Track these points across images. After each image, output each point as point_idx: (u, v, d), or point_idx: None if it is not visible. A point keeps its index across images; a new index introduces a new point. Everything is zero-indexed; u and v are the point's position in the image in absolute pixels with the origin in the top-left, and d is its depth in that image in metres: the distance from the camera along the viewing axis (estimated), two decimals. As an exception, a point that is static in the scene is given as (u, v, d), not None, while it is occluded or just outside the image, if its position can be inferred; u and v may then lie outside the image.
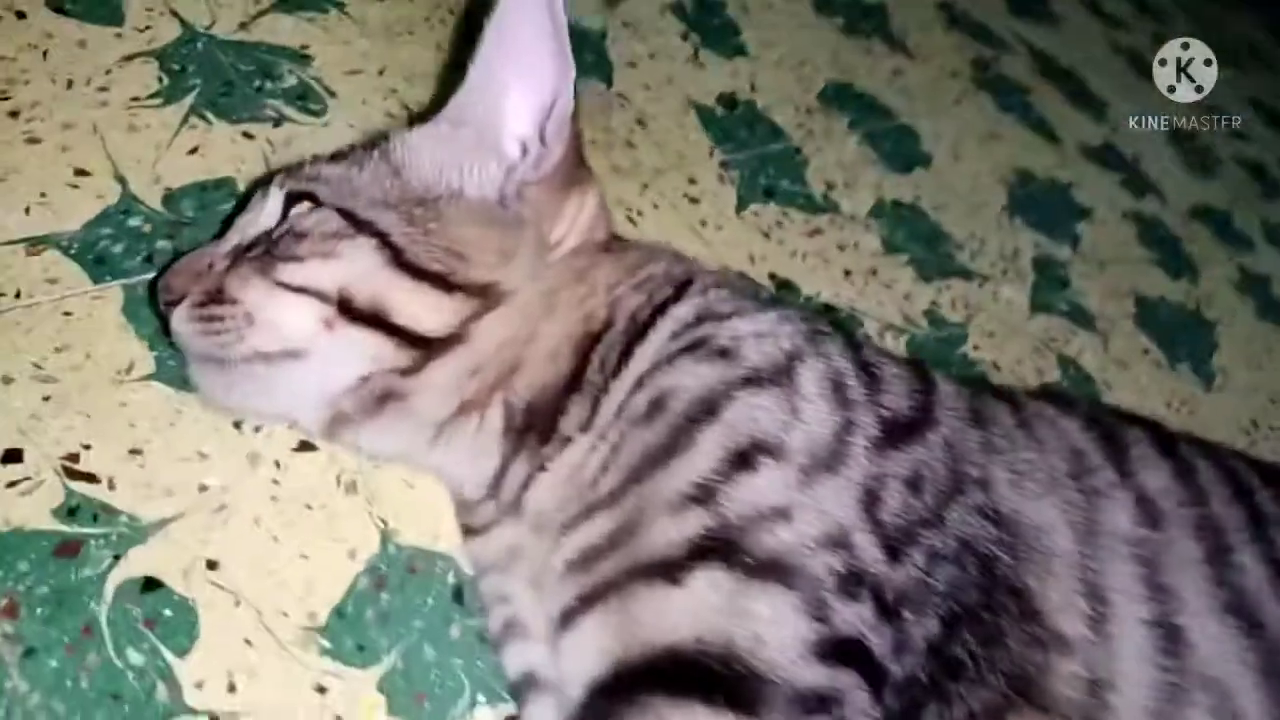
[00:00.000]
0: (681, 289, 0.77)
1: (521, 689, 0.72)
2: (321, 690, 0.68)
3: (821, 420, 0.71)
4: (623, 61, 1.36)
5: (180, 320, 0.71)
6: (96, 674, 0.63)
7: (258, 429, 0.79)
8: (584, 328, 0.74)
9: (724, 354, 0.71)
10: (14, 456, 0.70)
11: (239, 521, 0.74)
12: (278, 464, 0.78)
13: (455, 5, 1.27)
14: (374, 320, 0.69)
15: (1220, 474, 0.88)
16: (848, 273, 1.28)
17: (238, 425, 0.78)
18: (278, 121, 1.01)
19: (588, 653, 0.65)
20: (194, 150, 0.95)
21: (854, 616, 0.64)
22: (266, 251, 0.71)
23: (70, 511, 0.69)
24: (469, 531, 0.79)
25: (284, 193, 0.75)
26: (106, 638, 0.64)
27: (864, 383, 0.76)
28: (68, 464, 0.71)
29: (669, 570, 0.63)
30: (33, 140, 0.88)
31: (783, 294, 1.18)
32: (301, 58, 1.09)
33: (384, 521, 0.78)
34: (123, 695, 0.63)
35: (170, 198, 0.90)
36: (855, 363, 0.78)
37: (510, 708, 0.73)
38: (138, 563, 0.69)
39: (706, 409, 0.68)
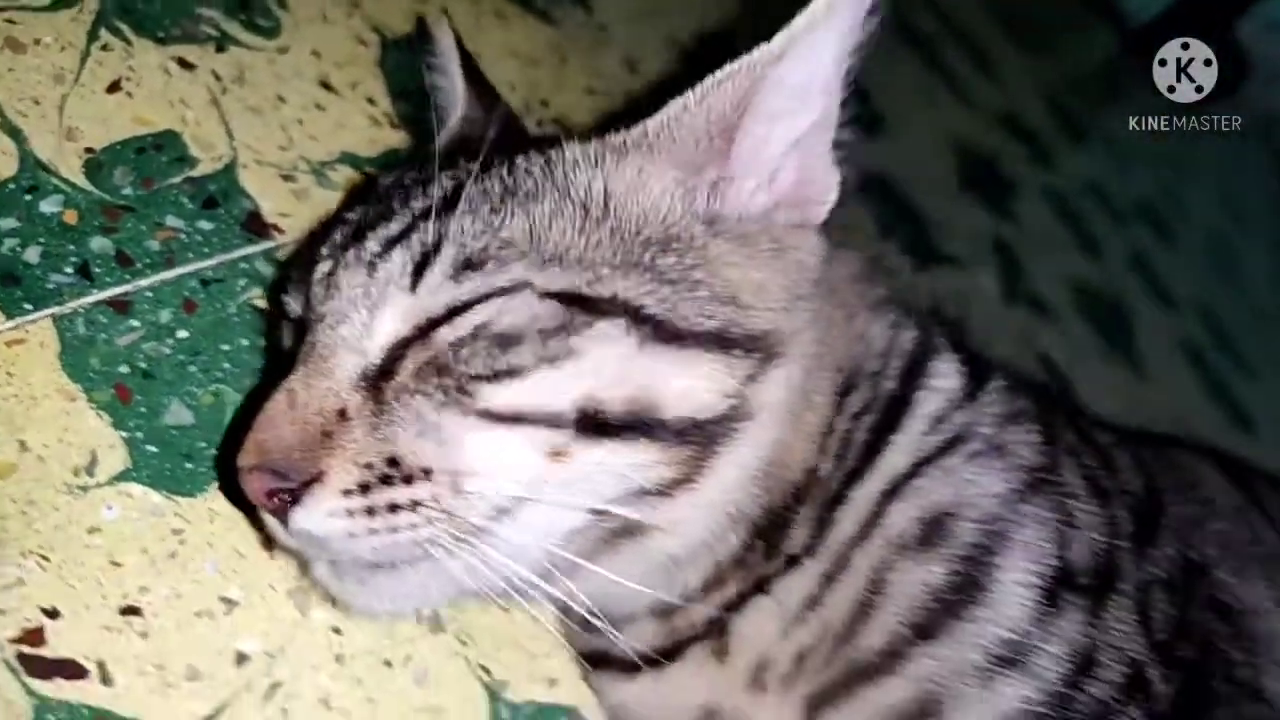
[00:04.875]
0: (923, 350, 0.58)
1: None
2: None
3: (1094, 524, 0.57)
4: None
5: (322, 521, 0.43)
6: None
7: (295, 545, 0.53)
8: (830, 395, 0.54)
9: (999, 452, 0.54)
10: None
11: (303, 707, 0.49)
12: (333, 601, 0.53)
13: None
14: (629, 427, 0.45)
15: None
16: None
17: (267, 544, 0.52)
18: (220, 44, 0.70)
19: None
20: (115, 86, 0.63)
21: None
22: (442, 372, 0.45)
23: (47, 736, 0.42)
24: (599, 663, 0.57)
25: (450, 277, 0.47)
26: None
27: (1099, 460, 0.62)
28: (28, 649, 0.43)
29: None
30: None
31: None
32: (231, -53, 0.77)
33: (485, 670, 0.56)
34: None
35: (96, 165, 0.59)
36: (1078, 433, 0.64)
37: None
38: (173, 811, 0.43)
39: (999, 535, 0.51)
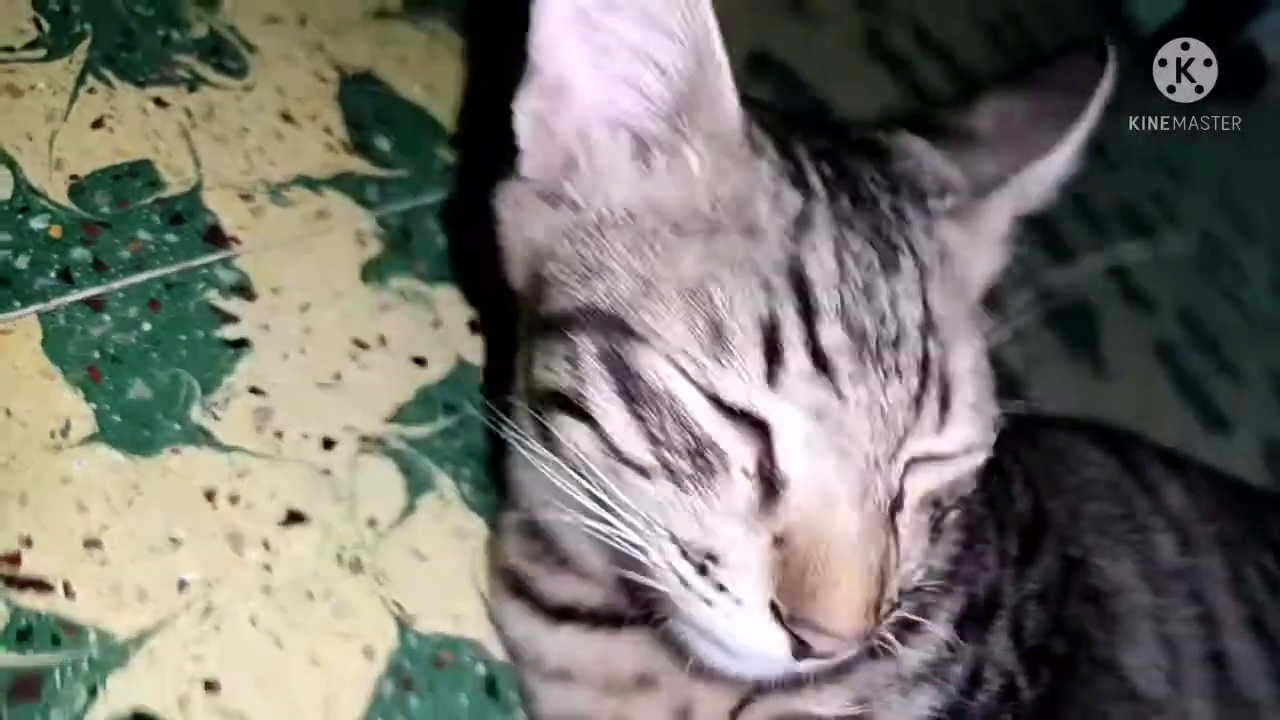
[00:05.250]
0: None
1: None
2: (370, 839, 0.56)
3: (992, 562, 0.66)
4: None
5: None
6: None
7: (235, 499, 0.63)
8: None
9: None
10: (-71, 567, 0.52)
11: (233, 625, 0.59)
12: (266, 544, 0.63)
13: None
14: None
15: (1207, 479, 0.91)
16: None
17: (210, 497, 0.63)
18: (192, 85, 0.82)
19: None
20: (98, 123, 0.75)
21: None
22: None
23: (21, 635, 0.52)
24: (526, 596, 0.64)
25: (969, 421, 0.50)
26: (100, 811, 0.50)
27: (1003, 487, 0.71)
28: (7, 569, 0.54)
29: None
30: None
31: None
32: (208, 1, 0.89)
33: (399, 606, 0.66)
34: None
35: (79, 189, 0.71)
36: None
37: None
38: (121, 694, 0.53)
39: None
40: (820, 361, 0.45)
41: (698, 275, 0.46)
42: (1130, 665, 0.74)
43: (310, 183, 0.82)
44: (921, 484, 0.49)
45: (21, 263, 0.65)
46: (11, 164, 0.69)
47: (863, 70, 1.75)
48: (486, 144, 0.56)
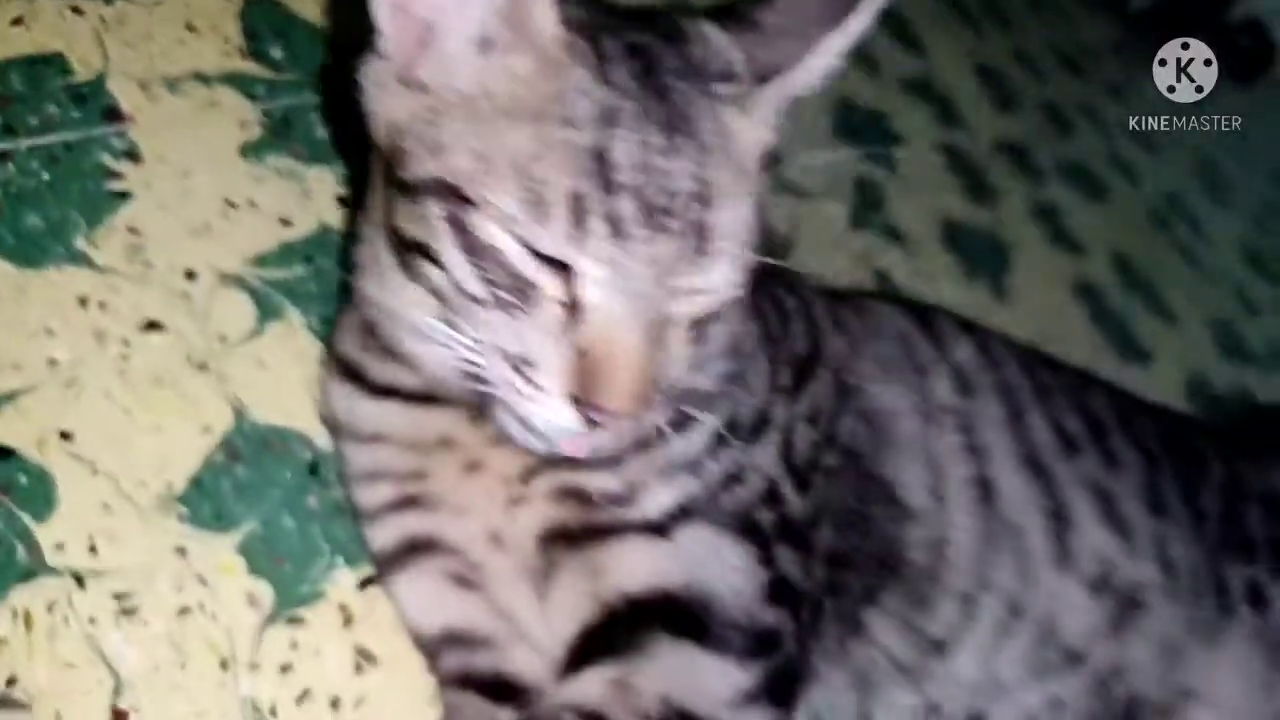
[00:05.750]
0: None
1: (401, 553, 0.75)
2: (181, 552, 0.71)
3: (760, 386, 0.78)
4: None
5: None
6: (-50, 537, 0.63)
7: (103, 306, 0.79)
8: None
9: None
10: None
11: (90, 395, 0.74)
12: (125, 341, 0.78)
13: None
14: None
15: (1008, 349, 1.02)
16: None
17: (83, 302, 0.78)
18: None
19: (575, 590, 0.69)
20: (18, 21, 0.90)
21: (786, 558, 0.73)
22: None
23: (-90, 382, 0.68)
24: (354, 378, 0.77)
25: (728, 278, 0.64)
26: (-41, 502, 0.65)
27: (781, 332, 0.83)
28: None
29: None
30: None
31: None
32: (131, -69, 1.05)
33: (238, 399, 0.80)
34: (-20, 556, 0.63)
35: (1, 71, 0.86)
36: (774, 306, 0.85)
37: (368, 570, 0.77)
38: (-12, 434, 0.69)
39: (704, 398, 0.73)
40: (614, 225, 0.57)
41: (524, 154, 0.59)
42: (894, 478, 0.86)
43: (204, 79, 0.98)
44: (686, 309, 0.63)
45: (-57, 124, 0.81)
46: (-60, 51, 0.85)
47: None
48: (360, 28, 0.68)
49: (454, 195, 0.60)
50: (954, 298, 1.57)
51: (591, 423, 0.60)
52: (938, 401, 0.91)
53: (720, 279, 0.62)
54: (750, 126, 0.65)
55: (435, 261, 0.62)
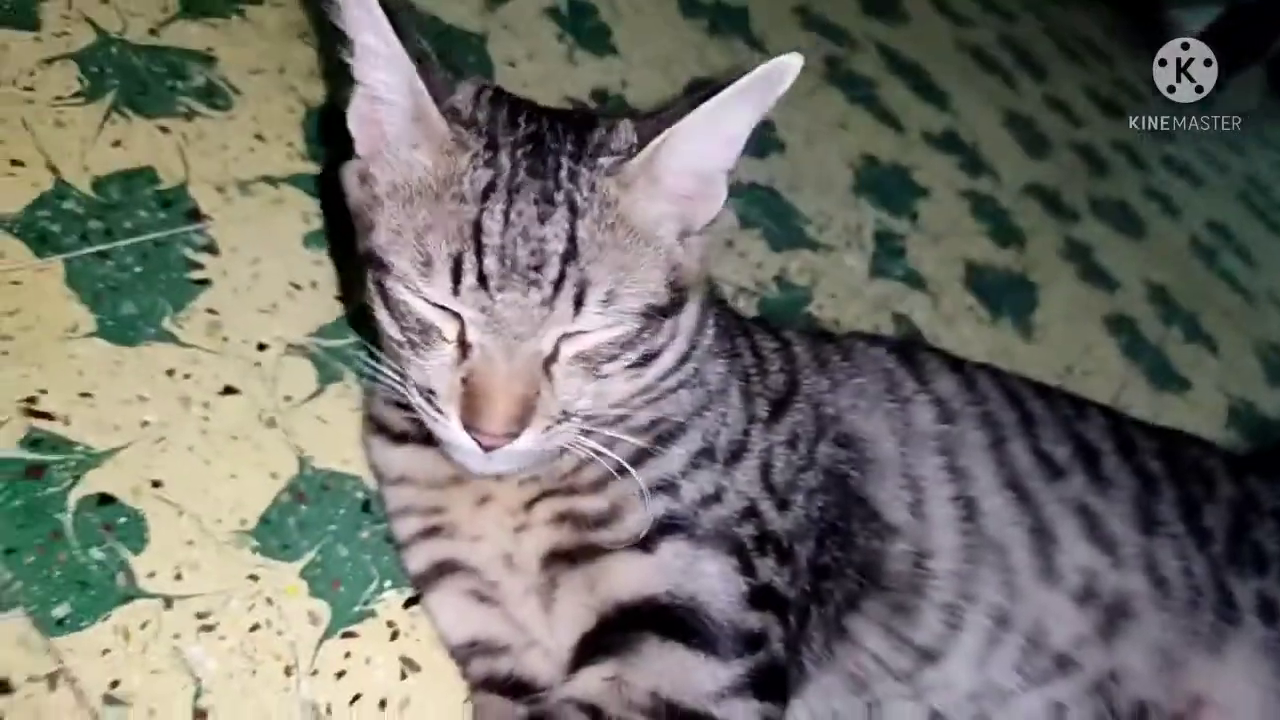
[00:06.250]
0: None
1: (431, 575, 0.87)
2: (253, 578, 0.83)
3: (737, 419, 0.89)
4: (503, 61, 1.52)
5: (526, 449, 0.74)
6: (66, 567, 0.77)
7: (187, 376, 0.93)
8: None
9: (701, 382, 0.87)
10: (-20, 400, 0.83)
11: (177, 450, 0.88)
12: (206, 405, 0.92)
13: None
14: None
15: (996, 383, 1.10)
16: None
17: (170, 373, 0.92)
18: (189, 116, 1.15)
19: (575, 601, 0.80)
20: (117, 143, 1.07)
21: (767, 568, 0.82)
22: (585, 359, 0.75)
23: (33, 443, 0.82)
24: (383, 431, 0.90)
25: (598, 312, 0.72)
26: (72, 539, 0.78)
27: (757, 371, 0.94)
28: (27, 406, 0.84)
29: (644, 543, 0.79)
30: (-29, 136, 1.00)
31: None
32: (207, 59, 1.22)
33: (300, 449, 0.93)
34: (88, 582, 0.77)
35: (99, 184, 1.03)
36: (750, 349, 0.95)
37: (411, 591, 0.89)
38: (93, 482, 0.82)
39: (682, 427, 0.84)
40: (482, 280, 0.69)
41: (422, 227, 0.72)
42: (874, 496, 0.94)
43: (271, 180, 1.13)
44: (571, 348, 0.73)
45: (55, 228, 0.97)
46: (54, 169, 1.02)
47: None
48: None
49: (378, 263, 0.74)
50: (975, 338, 1.65)
51: (479, 444, 0.72)
52: (919, 428, 1.00)
53: (596, 322, 0.72)
54: (634, 194, 0.74)
55: (375, 317, 0.76)
